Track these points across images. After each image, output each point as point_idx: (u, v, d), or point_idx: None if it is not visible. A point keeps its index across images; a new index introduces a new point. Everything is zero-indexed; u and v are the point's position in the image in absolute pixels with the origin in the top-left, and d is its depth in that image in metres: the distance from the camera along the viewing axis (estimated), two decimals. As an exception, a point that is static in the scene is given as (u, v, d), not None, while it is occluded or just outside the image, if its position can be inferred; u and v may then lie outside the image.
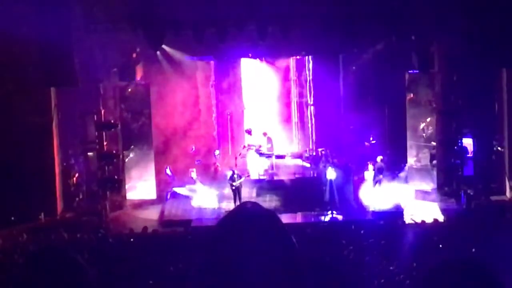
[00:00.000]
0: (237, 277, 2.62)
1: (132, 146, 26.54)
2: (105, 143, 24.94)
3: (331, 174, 24.99)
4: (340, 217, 23.80)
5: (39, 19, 21.36)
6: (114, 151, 25.22)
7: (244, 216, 2.77)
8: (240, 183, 24.73)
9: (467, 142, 25.58)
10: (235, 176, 24.77)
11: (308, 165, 27.52)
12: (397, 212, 23.79)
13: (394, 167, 26.73)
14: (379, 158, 26.06)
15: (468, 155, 25.62)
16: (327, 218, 23.67)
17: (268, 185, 25.78)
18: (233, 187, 24.63)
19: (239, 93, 28.96)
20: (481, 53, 23.66)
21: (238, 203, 24.05)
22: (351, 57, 27.98)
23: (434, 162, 25.96)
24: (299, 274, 2.69)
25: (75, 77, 23.52)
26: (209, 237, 2.73)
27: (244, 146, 28.01)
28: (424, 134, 26.49)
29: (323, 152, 27.14)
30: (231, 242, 2.67)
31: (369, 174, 26.19)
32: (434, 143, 26.10)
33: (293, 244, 2.73)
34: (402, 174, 26.63)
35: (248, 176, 25.88)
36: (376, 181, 25.81)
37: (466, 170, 25.08)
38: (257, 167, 27.20)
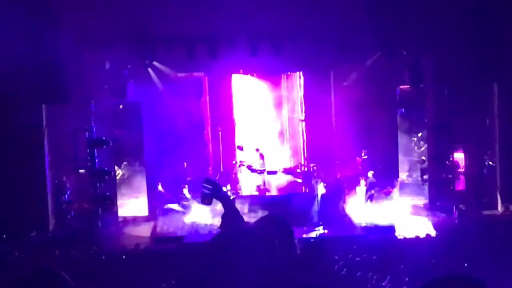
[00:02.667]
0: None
1: (124, 163, 26.51)
2: (96, 160, 24.91)
3: (322, 189, 24.99)
4: (329, 232, 23.75)
5: (31, 36, 21.35)
6: (106, 168, 25.17)
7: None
8: (233, 199, 24.73)
9: (459, 157, 25.65)
10: (229, 192, 24.76)
11: (300, 180, 27.50)
12: (389, 227, 23.77)
13: (385, 182, 26.76)
14: (370, 173, 26.11)
15: (459, 170, 25.69)
16: (319, 233, 23.63)
17: (260, 201, 25.73)
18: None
19: (231, 109, 28.96)
20: (472, 68, 23.78)
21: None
22: (342, 72, 28.05)
23: (425, 177, 25.99)
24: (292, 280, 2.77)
25: (67, 94, 23.52)
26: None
27: (236, 163, 28.00)
28: (419, 150, 26.45)
29: (314, 167, 27.13)
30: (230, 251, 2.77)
31: (360, 189, 26.21)
32: (424, 158, 26.13)
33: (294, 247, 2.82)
34: (394, 189, 26.67)
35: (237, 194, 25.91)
36: (368, 197, 25.85)
37: (458, 185, 25.13)
38: (249, 183, 27.22)
